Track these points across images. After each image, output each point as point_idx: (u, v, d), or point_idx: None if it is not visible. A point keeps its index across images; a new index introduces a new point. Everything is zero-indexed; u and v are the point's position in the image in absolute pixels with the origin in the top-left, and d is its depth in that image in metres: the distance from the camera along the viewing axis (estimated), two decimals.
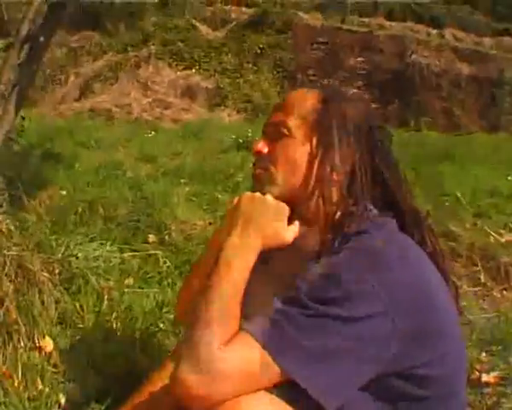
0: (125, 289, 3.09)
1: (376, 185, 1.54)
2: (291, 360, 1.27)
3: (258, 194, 1.50)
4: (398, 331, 1.30)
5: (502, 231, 4.67)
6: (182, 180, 5.01)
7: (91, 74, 8.92)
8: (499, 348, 3.07)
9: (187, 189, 4.79)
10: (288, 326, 1.27)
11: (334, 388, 1.28)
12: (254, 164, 1.62)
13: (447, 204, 5.22)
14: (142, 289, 3.19)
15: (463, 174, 6.17)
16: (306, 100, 1.55)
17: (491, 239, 4.49)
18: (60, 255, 3.04)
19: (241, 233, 1.44)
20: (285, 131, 1.53)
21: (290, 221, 1.50)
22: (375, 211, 1.50)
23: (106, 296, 2.96)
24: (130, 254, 3.53)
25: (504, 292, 3.98)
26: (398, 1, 15.80)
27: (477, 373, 2.78)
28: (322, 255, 1.44)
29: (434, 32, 14.58)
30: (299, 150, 1.52)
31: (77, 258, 3.08)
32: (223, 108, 8.33)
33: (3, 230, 2.79)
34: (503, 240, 4.48)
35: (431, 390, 1.38)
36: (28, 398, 2.35)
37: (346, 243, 1.41)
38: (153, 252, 3.56)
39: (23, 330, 2.58)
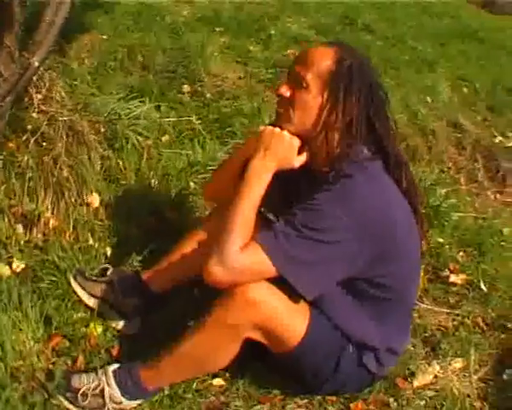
0: (162, 149, 3.48)
1: (370, 133, 2.08)
2: (284, 265, 1.93)
3: (277, 128, 2.09)
4: (362, 253, 1.97)
5: (509, 134, 4.84)
6: (217, 29, 5.19)
7: None
8: (475, 251, 3.44)
9: (222, 39, 4.98)
10: (285, 242, 1.93)
11: (311, 285, 1.97)
12: (278, 102, 2.15)
13: (465, 91, 5.36)
14: (177, 147, 3.57)
15: (488, 61, 6.18)
16: (324, 59, 2.06)
17: (497, 140, 4.71)
18: (105, 115, 3.37)
19: (262, 157, 2.07)
20: (304, 83, 2.05)
21: (300, 151, 2.11)
22: (366, 152, 2.07)
23: (145, 155, 3.36)
24: (167, 111, 3.85)
25: (497, 195, 4.25)
26: None
27: (448, 272, 3.19)
28: (320, 179, 2.05)
29: None
30: (313, 101, 2.05)
31: (120, 118, 3.40)
32: None
33: (56, 97, 3.14)
34: (507, 144, 4.68)
35: (386, 294, 2.12)
36: (80, 250, 2.81)
37: (335, 180, 1.98)
38: (186, 117, 3.87)
39: (73, 187, 3.00)
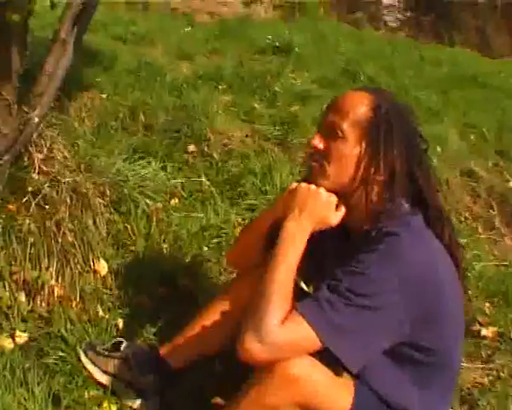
0: (172, 212, 3.25)
1: (411, 185, 1.87)
2: (331, 337, 1.68)
3: (312, 186, 1.87)
4: (410, 317, 1.74)
5: None
6: (220, 86, 5.03)
7: None
8: (501, 301, 3.29)
9: (225, 97, 4.81)
10: (331, 311, 1.68)
11: (358, 357, 1.73)
12: (310, 156, 1.92)
13: (472, 137, 5.24)
14: (187, 210, 3.35)
15: (491, 105, 6.06)
16: (360, 106, 1.85)
17: (510, 184, 4.61)
18: (110, 176, 3.15)
19: (297, 218, 1.84)
20: (339, 133, 1.84)
21: (336, 206, 1.88)
22: (406, 206, 1.85)
23: (154, 219, 3.14)
24: (174, 172, 3.66)
25: None
26: None
27: (478, 326, 3.03)
28: (358, 238, 1.87)
29: None
30: (350, 152, 1.84)
31: (126, 180, 3.20)
32: (259, 3, 8.23)
33: (59, 157, 2.93)
34: None
35: (431, 358, 1.85)
36: (89, 321, 2.58)
37: (379, 239, 1.77)
38: (196, 178, 3.67)
39: (79, 253, 2.78)
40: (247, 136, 4.33)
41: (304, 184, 1.89)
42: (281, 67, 5.60)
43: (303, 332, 1.68)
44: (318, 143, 1.88)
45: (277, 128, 4.42)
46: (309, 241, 1.84)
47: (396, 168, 1.83)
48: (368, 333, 1.71)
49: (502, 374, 2.77)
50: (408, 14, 9.77)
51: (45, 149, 2.87)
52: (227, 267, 2.96)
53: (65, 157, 2.99)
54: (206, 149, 4.03)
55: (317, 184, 1.87)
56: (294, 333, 1.68)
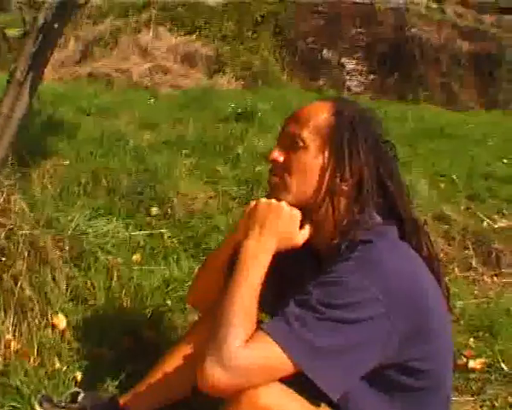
0: (133, 267, 3.16)
1: (381, 195, 1.73)
2: (303, 357, 1.48)
3: (273, 200, 1.72)
4: (396, 330, 1.53)
5: (495, 217, 4.72)
6: (183, 151, 5.01)
7: (91, 38, 8.79)
8: (486, 334, 3.20)
9: (188, 161, 4.79)
10: (302, 328, 1.49)
11: (338, 380, 1.51)
12: (270, 171, 1.78)
13: (442, 185, 5.23)
14: (149, 265, 3.25)
15: (460, 154, 6.08)
16: (320, 113, 1.74)
17: (485, 224, 4.58)
18: (70, 232, 3.08)
19: (257, 236, 1.67)
20: (300, 142, 1.71)
21: (301, 224, 1.72)
22: (378, 218, 1.70)
23: (115, 273, 3.04)
24: (136, 231, 3.58)
25: (494, 278, 4.10)
26: None
27: (464, 359, 2.92)
28: (328, 257, 1.68)
29: (435, 6, 14.20)
30: (313, 162, 1.71)
31: (86, 234, 3.12)
32: (222, 74, 8.33)
33: (16, 209, 2.84)
34: (495, 226, 4.56)
35: (422, 382, 1.64)
36: (46, 374, 2.45)
37: (352, 249, 1.60)
38: (158, 231, 3.60)
39: (37, 307, 2.67)
40: (211, 197, 4.29)
41: (264, 200, 1.74)
42: (244, 131, 5.62)
43: (270, 353, 1.48)
44: (278, 155, 1.75)
45: (242, 188, 4.38)
46: (274, 266, 1.67)
47: (364, 176, 1.69)
48: (347, 352, 1.51)
49: (496, 403, 2.67)
50: (371, 76, 9.85)
51: (1, 200, 2.79)
52: (192, 321, 2.85)
53: (23, 210, 2.90)
54: (169, 210, 3.96)
55: (278, 200, 1.72)
56: (260, 354, 1.48)
